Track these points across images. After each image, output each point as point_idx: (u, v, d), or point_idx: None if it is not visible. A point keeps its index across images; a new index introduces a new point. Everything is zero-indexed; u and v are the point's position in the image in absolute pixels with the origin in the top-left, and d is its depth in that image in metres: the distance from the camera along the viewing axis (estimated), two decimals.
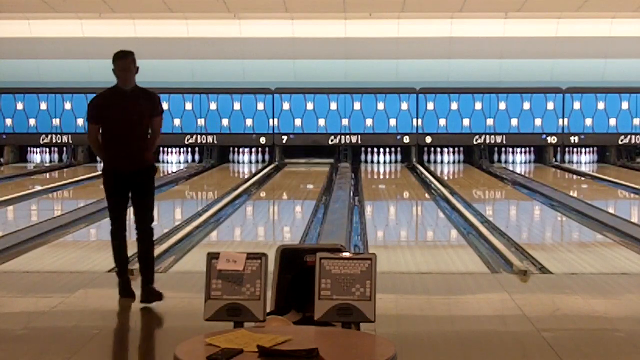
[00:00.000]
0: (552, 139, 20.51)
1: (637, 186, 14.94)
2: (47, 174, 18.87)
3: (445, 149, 20.84)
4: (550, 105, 20.44)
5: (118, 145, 6.33)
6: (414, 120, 20.46)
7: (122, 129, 6.31)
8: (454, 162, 20.77)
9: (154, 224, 6.62)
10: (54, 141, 20.50)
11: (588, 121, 20.51)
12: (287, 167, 20.07)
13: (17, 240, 9.37)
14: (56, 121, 20.33)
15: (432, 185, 15.92)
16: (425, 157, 20.67)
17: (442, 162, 20.72)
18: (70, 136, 20.26)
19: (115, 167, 6.35)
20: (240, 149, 20.93)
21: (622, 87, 20.41)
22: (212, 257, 3.66)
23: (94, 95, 6.48)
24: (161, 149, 20.55)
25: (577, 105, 20.52)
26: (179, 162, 20.65)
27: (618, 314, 6.22)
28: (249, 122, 20.47)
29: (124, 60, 6.28)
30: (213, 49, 20.26)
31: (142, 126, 6.36)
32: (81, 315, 5.64)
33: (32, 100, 20.39)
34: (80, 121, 20.02)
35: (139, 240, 6.44)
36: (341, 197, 13.88)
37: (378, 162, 20.77)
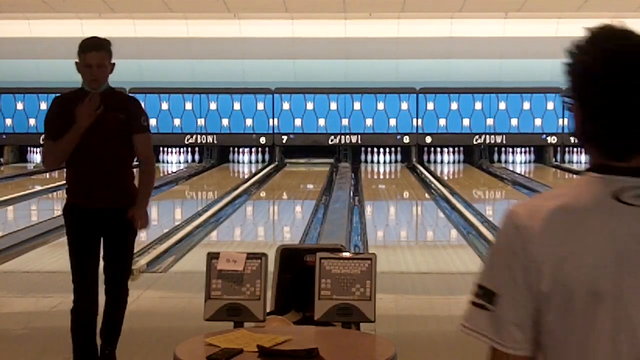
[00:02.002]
0: (552, 139, 20.52)
1: None
2: (47, 174, 18.87)
3: (445, 149, 20.84)
4: (550, 105, 20.45)
5: (86, 172, 4.60)
6: (414, 120, 20.46)
7: (92, 148, 4.57)
8: (454, 162, 20.77)
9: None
10: None
11: None
12: (287, 167, 20.08)
13: (17, 240, 9.37)
14: None
15: (432, 185, 15.92)
16: (425, 157, 20.67)
17: (442, 162, 20.72)
18: None
19: (81, 203, 4.62)
20: (240, 149, 20.94)
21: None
22: (212, 257, 3.66)
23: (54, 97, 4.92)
24: (161, 148, 20.56)
25: None
26: (179, 162, 20.66)
27: None
28: (249, 122, 20.47)
29: (98, 54, 4.67)
30: (213, 49, 20.26)
31: (120, 145, 4.64)
32: None
33: (32, 100, 20.40)
34: None
35: (107, 304, 4.72)
36: (341, 197, 13.88)
37: (378, 162, 20.77)
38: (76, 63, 4.73)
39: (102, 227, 4.62)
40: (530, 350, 1.61)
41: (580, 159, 20.93)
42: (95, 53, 4.66)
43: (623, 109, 1.56)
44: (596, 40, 1.64)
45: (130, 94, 5.04)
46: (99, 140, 4.58)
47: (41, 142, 5.16)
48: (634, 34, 1.61)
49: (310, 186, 16.33)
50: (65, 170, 4.75)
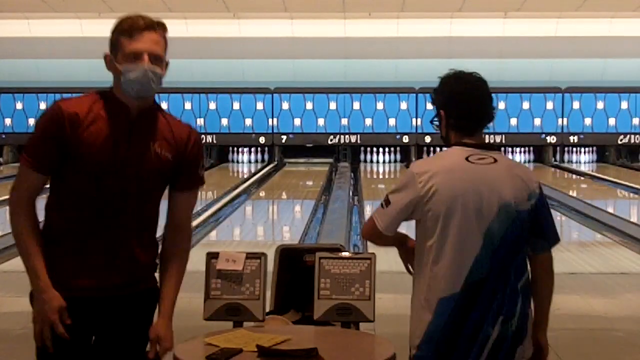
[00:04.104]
0: (551, 139, 20.52)
1: (636, 186, 14.94)
2: None
3: (445, 149, 20.82)
4: (549, 105, 20.44)
5: (96, 235, 2.88)
6: (414, 120, 20.45)
7: (113, 199, 2.87)
8: None
9: None
10: None
11: (587, 121, 20.51)
12: (286, 166, 20.07)
13: None
14: None
15: None
16: (425, 157, 20.65)
17: None
18: None
19: (80, 287, 2.90)
20: (240, 149, 20.94)
21: (621, 87, 20.41)
22: (212, 256, 3.66)
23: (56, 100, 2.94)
24: None
25: (576, 105, 20.53)
26: None
27: (617, 313, 6.23)
28: (248, 121, 20.47)
29: (153, 34, 2.90)
30: (212, 49, 20.25)
31: (155, 199, 3.01)
32: None
33: (32, 100, 20.39)
34: None
35: None
36: (340, 197, 13.87)
37: (377, 161, 20.78)
38: (108, 58, 2.92)
39: (104, 327, 2.98)
40: (393, 233, 3.13)
41: (579, 158, 20.94)
42: (148, 34, 2.89)
43: (466, 111, 3.18)
44: (451, 78, 3.28)
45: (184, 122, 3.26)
46: (125, 190, 2.89)
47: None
48: (470, 75, 3.23)
49: (309, 184, 16.33)
50: (46, 221, 2.98)
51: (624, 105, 20.52)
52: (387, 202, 3.12)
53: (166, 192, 3.11)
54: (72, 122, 2.85)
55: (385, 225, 3.09)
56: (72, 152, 2.87)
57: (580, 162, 20.80)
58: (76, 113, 2.86)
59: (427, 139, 20.47)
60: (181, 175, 3.08)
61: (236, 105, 20.46)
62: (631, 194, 14.65)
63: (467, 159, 3.07)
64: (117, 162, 2.87)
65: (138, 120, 2.98)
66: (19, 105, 20.51)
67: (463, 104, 3.18)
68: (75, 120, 2.85)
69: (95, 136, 2.86)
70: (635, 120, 20.56)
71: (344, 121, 20.50)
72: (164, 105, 20.09)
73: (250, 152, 20.92)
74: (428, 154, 20.74)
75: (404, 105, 20.44)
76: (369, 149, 20.87)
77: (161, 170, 2.98)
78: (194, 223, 10.59)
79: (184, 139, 3.08)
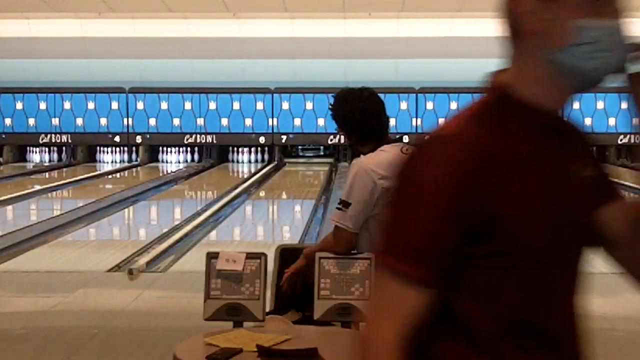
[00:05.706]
0: None
1: (637, 186, 14.93)
2: (47, 174, 18.88)
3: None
4: None
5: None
6: (414, 120, 20.45)
7: (558, 277, 1.67)
8: None
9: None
10: (53, 141, 20.50)
11: (587, 121, 20.52)
12: (286, 166, 20.08)
13: (17, 240, 9.37)
14: (55, 121, 20.32)
15: None
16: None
17: None
18: (69, 136, 20.24)
19: None
20: (240, 149, 20.93)
21: (621, 87, 20.38)
22: (212, 256, 3.67)
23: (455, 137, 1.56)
24: (160, 148, 20.56)
25: (576, 105, 20.54)
26: (179, 162, 20.65)
27: (617, 313, 6.22)
28: (248, 121, 20.46)
29: None
30: (212, 49, 20.25)
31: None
32: (81, 315, 5.64)
33: (32, 99, 20.38)
34: (79, 121, 20.00)
35: None
36: None
37: None
38: (525, 4, 1.59)
39: None
40: (357, 231, 3.52)
41: None
42: None
43: (367, 129, 3.70)
44: (346, 97, 3.72)
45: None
46: (575, 261, 1.78)
47: None
48: (364, 91, 3.80)
49: (309, 182, 16.32)
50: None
51: (624, 105, 20.52)
52: (345, 204, 3.53)
53: None
54: (488, 166, 1.49)
55: (353, 224, 3.50)
56: (487, 225, 1.48)
57: None
58: (490, 145, 1.52)
59: None
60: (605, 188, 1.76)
61: (236, 105, 20.46)
62: (631, 194, 14.64)
63: (401, 151, 3.54)
64: (568, 223, 1.63)
65: (559, 136, 1.68)
66: (19, 105, 20.50)
67: (362, 124, 3.72)
68: (491, 160, 1.50)
69: (525, 184, 1.52)
70: (635, 120, 20.56)
71: None
72: (164, 105, 20.06)
73: (250, 152, 20.92)
74: None
75: (404, 105, 20.44)
76: None
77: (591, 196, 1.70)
78: (194, 223, 10.57)
79: (589, 142, 1.84)
